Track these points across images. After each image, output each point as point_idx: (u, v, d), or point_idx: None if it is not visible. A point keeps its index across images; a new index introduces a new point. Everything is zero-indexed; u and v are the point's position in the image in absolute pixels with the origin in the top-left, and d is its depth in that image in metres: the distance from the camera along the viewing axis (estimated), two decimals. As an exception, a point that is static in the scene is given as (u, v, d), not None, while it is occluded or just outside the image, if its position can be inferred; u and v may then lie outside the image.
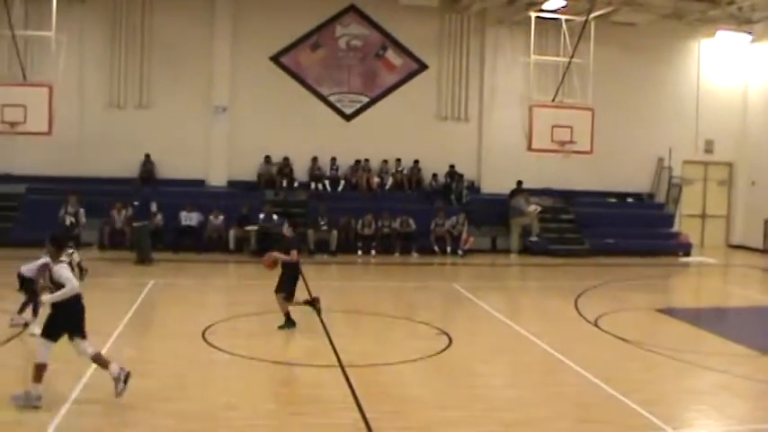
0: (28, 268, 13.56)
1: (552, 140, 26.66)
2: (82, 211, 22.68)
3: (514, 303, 20.20)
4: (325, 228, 25.73)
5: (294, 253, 14.75)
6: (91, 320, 14.01)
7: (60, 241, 10.68)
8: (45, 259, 11.51)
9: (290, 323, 14.65)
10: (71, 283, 10.01)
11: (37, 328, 13.21)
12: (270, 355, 12.83)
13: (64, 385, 10.78)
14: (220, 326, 14.77)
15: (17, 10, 23.48)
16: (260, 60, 28.19)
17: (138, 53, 27.45)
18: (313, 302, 15.29)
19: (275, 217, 24.66)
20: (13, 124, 22.55)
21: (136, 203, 24.67)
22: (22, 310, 13.81)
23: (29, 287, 13.57)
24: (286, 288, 14.72)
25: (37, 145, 24.95)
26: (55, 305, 10.12)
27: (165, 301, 17.70)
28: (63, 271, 10.10)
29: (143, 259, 22.36)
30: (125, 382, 10.15)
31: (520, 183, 28.56)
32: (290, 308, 14.75)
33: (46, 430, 9.17)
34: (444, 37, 29.64)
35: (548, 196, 29.35)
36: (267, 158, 27.85)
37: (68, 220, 21.24)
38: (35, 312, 13.60)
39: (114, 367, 10.22)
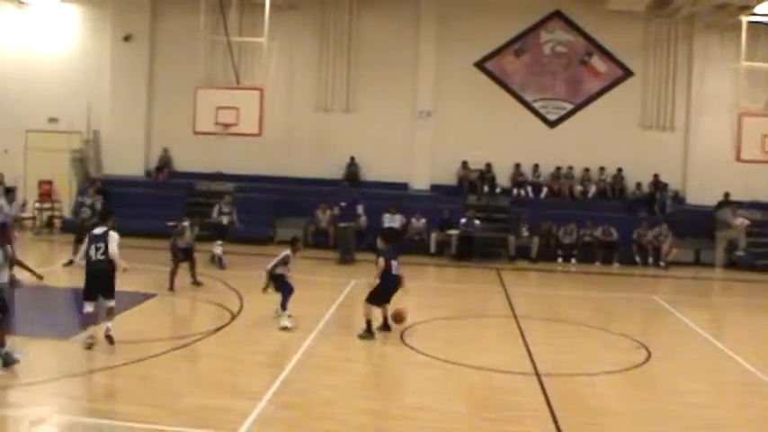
0: (273, 264, 14.77)
1: (763, 151, 25.26)
2: (234, 213, 22.85)
3: (717, 319, 19.29)
4: (526, 234, 25.51)
5: (382, 261, 14.26)
6: (292, 316, 14.52)
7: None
8: (286, 252, 14.67)
9: (368, 334, 13.95)
10: None
11: (287, 321, 13.95)
12: (465, 359, 12.80)
13: (265, 377, 11.17)
14: (418, 328, 14.86)
15: (232, 17, 24.48)
16: (464, 66, 28.27)
17: (344, 58, 28.15)
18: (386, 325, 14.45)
19: (477, 222, 24.69)
20: (226, 125, 23.45)
21: (343, 204, 25.22)
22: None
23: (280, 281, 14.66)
24: (376, 297, 14.19)
25: (247, 145, 25.99)
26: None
27: (363, 300, 17.96)
28: None
29: (346, 259, 22.87)
30: None
31: (727, 195, 27.32)
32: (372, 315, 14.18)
33: (248, 417, 9.53)
34: (650, 43, 28.73)
35: (756, 209, 27.89)
36: (464, 163, 27.90)
37: (225, 219, 21.86)
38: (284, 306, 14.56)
39: None
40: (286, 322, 14.21)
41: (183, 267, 17.84)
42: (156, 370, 11.66)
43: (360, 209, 24.85)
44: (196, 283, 18.01)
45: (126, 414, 9.47)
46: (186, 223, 18.00)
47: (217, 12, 23.79)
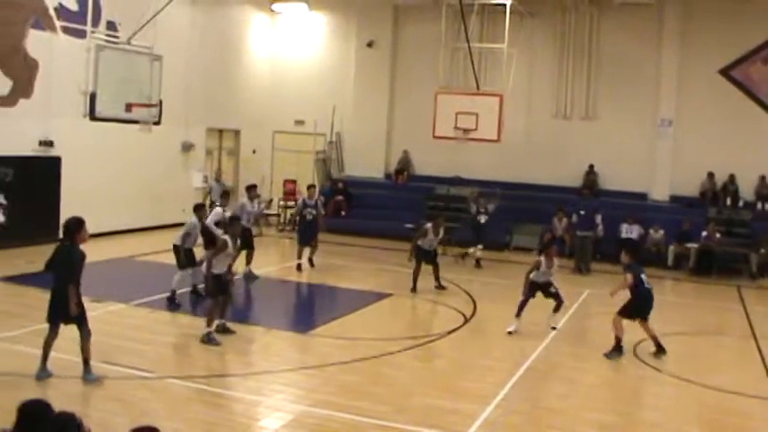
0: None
1: None
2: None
3: None
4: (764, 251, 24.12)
5: (629, 276, 13.65)
6: (525, 324, 14.53)
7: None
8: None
9: (616, 353, 13.36)
10: None
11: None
12: (698, 377, 12.34)
13: (494, 382, 11.27)
14: (651, 343, 14.48)
15: (473, 24, 24.71)
16: (707, 74, 27.12)
17: (584, 66, 27.76)
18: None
19: (718, 235, 23.66)
20: (465, 131, 23.68)
21: (582, 212, 24.84)
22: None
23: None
24: (632, 311, 13.59)
25: (485, 151, 26.16)
26: None
27: (599, 311, 17.68)
28: None
29: (581, 268, 22.58)
30: None
31: None
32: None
33: (476, 420, 9.66)
34: None
35: None
36: (710, 175, 26.79)
37: (483, 218, 22.11)
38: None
39: None
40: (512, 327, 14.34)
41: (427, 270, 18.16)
42: (389, 368, 12.01)
43: (598, 218, 24.39)
44: (440, 287, 18.11)
45: (356, 408, 9.83)
46: (429, 225, 18.22)
47: (457, 19, 24.10)
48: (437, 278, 18.22)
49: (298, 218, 21.39)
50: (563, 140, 27.63)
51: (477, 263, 21.93)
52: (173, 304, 14.94)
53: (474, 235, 22.23)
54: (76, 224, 10.41)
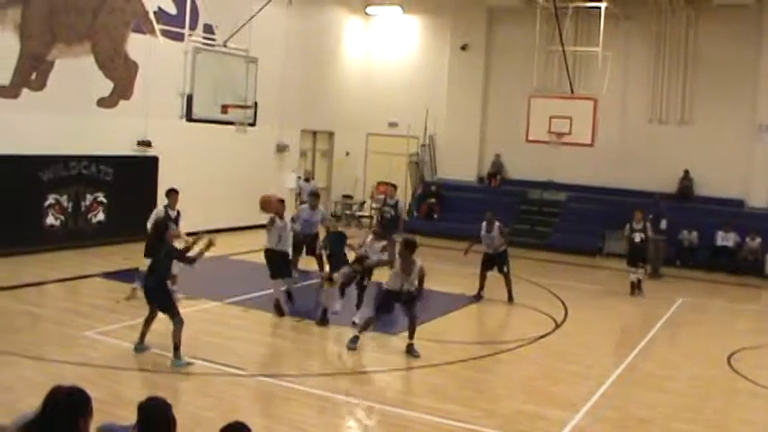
0: None
1: None
2: (650, 230, 21.61)
3: None
4: None
5: None
6: (616, 331, 14.36)
7: None
8: None
9: None
10: None
11: None
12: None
13: (583, 389, 11.16)
14: (748, 353, 14.10)
15: (567, 27, 24.47)
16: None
17: (680, 69, 27.18)
18: None
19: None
20: (559, 135, 23.48)
21: (650, 216, 24.11)
22: None
23: None
24: None
25: (579, 155, 25.85)
26: None
27: (692, 320, 17.37)
28: None
29: (653, 274, 21.87)
30: None
31: None
32: None
33: (564, 427, 9.59)
34: None
35: None
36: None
37: (638, 236, 20.43)
38: None
39: None
40: None
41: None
42: (478, 372, 12.01)
43: (663, 223, 23.68)
44: (510, 298, 17.36)
45: (444, 411, 9.83)
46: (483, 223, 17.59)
47: (552, 22, 23.91)
48: (508, 289, 17.31)
49: (379, 216, 21.46)
50: (658, 145, 27.11)
51: (637, 285, 19.06)
52: (289, 303, 14.98)
53: (630, 256, 19.49)
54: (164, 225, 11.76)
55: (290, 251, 15.50)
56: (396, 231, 19.79)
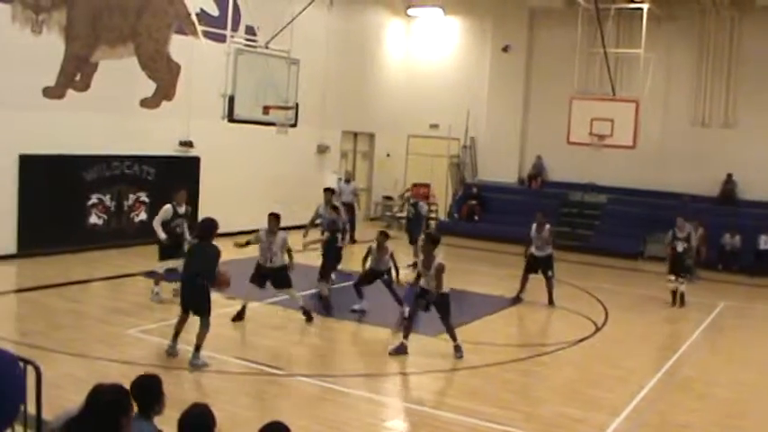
0: None
1: None
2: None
3: None
4: None
5: None
6: (657, 335, 14.25)
7: None
8: None
9: None
10: None
11: None
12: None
13: (624, 393, 11.09)
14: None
15: (609, 29, 24.30)
16: None
17: (723, 71, 26.86)
18: None
19: None
20: (600, 137, 23.32)
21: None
22: None
23: None
24: None
25: (620, 157, 25.65)
26: None
27: (734, 325, 17.17)
28: None
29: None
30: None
31: None
32: None
33: (604, 431, 9.54)
34: None
35: None
36: None
37: (680, 246, 19.57)
38: None
39: None
40: None
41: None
42: (518, 374, 11.98)
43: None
44: (551, 302, 17.12)
45: (483, 414, 9.81)
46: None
47: (593, 23, 23.73)
48: (549, 293, 17.10)
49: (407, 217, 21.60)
50: (700, 148, 26.81)
51: (681, 299, 17.91)
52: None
53: (672, 265, 18.16)
54: (214, 225, 11.53)
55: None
56: (419, 231, 19.83)
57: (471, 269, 21.21)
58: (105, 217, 19.82)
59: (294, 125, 18.10)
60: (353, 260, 17.27)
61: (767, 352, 13.88)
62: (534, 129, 29.64)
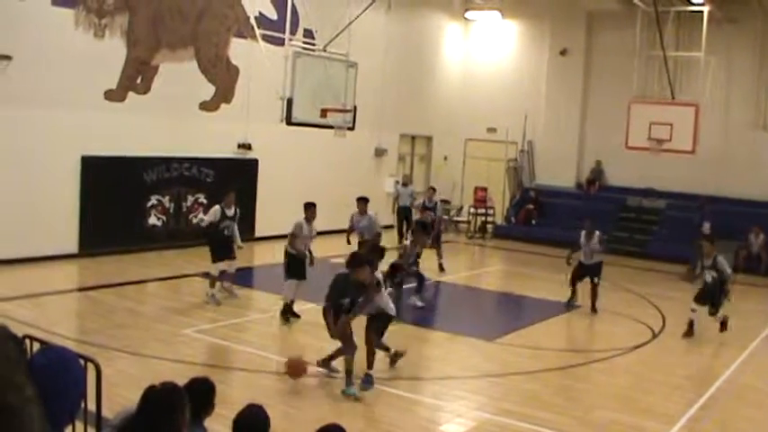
0: None
1: None
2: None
3: None
4: None
5: None
6: (715, 342, 14.04)
7: None
8: None
9: None
10: None
11: None
12: None
13: (681, 401, 10.97)
14: None
15: (669, 32, 24.03)
16: None
17: (787, 74, 26.44)
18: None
19: None
20: (659, 141, 23.07)
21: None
22: None
23: None
24: None
25: (679, 162, 25.32)
26: None
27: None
28: None
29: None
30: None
31: None
32: None
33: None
34: None
35: None
36: None
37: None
38: None
39: None
40: None
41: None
42: (572, 380, 11.90)
43: (707, 227, 22.71)
44: (593, 309, 16.73)
45: (538, 419, 9.77)
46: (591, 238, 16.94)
47: (653, 26, 23.50)
48: (593, 300, 16.67)
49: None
50: (761, 152, 26.37)
51: (723, 324, 15.02)
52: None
53: (701, 292, 15.37)
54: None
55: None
56: (438, 234, 19.76)
57: (528, 273, 21.14)
58: (164, 218, 20.08)
59: (352, 128, 18.20)
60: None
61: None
62: (592, 132, 29.38)
